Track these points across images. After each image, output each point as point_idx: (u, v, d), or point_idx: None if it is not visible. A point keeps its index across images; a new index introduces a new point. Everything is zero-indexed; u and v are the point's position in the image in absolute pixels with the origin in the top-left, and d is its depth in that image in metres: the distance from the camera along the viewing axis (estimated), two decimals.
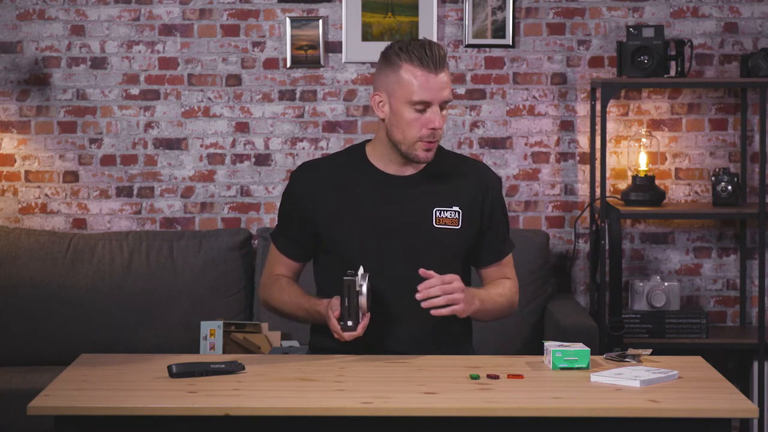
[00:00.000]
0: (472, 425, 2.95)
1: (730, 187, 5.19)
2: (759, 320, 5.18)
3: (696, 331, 5.21)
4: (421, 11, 5.38)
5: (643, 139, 5.39)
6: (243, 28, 5.42)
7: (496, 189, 3.58)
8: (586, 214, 5.43)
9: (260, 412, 2.91)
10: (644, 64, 5.15)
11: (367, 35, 5.39)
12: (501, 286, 3.58)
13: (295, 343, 4.96)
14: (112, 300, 5.11)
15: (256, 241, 5.32)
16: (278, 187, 5.42)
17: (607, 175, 5.30)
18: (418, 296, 3.30)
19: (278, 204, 3.63)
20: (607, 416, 2.91)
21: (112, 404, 2.93)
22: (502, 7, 5.39)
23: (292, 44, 5.40)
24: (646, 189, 5.25)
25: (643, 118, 5.45)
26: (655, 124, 5.45)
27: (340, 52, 5.41)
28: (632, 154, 5.41)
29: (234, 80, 5.43)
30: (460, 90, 5.43)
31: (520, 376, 3.16)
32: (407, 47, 3.38)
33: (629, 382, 3.08)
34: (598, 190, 5.29)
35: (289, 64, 5.41)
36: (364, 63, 5.41)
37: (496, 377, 3.14)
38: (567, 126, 5.45)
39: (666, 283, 5.28)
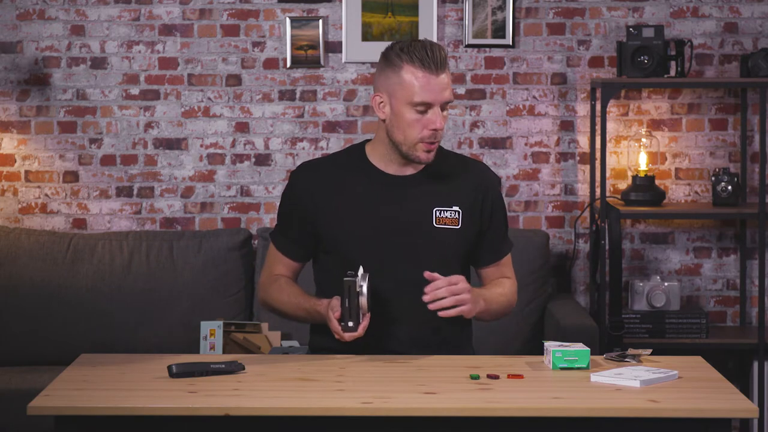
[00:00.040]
0: (472, 425, 2.95)
1: (730, 187, 5.19)
2: (759, 320, 5.18)
3: (696, 331, 5.21)
4: (421, 11, 5.38)
5: (643, 139, 5.39)
6: (243, 28, 5.42)
7: (496, 189, 3.58)
8: (586, 214, 5.43)
9: (260, 412, 2.91)
10: (644, 64, 5.15)
11: (367, 35, 5.39)
12: (502, 285, 3.58)
13: (295, 343, 4.96)
14: (112, 300, 5.11)
15: (256, 241, 5.32)
16: (278, 187, 5.42)
17: (607, 175, 5.30)
18: (425, 298, 3.30)
19: (278, 204, 3.63)
20: (607, 416, 2.91)
21: (112, 404, 2.93)
22: (502, 7, 5.39)
23: (292, 44, 5.40)
24: (646, 189, 5.25)
25: (643, 118, 5.45)
26: (655, 124, 5.45)
27: (340, 52, 5.41)
28: (632, 154, 5.41)
29: (234, 80, 5.43)
30: (460, 90, 5.43)
31: (520, 376, 3.16)
32: (408, 48, 3.38)
33: (629, 382, 3.08)
34: (598, 190, 5.30)
35: (289, 64, 5.41)
36: (364, 63, 5.41)
37: (496, 377, 3.14)
38: (567, 126, 5.45)
39: (666, 283, 5.28)
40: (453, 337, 3.55)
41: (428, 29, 5.36)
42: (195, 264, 5.17)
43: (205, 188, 5.45)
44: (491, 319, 3.54)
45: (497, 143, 5.45)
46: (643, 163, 5.32)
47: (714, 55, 5.44)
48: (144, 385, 3.09)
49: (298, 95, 5.43)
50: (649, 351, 3.39)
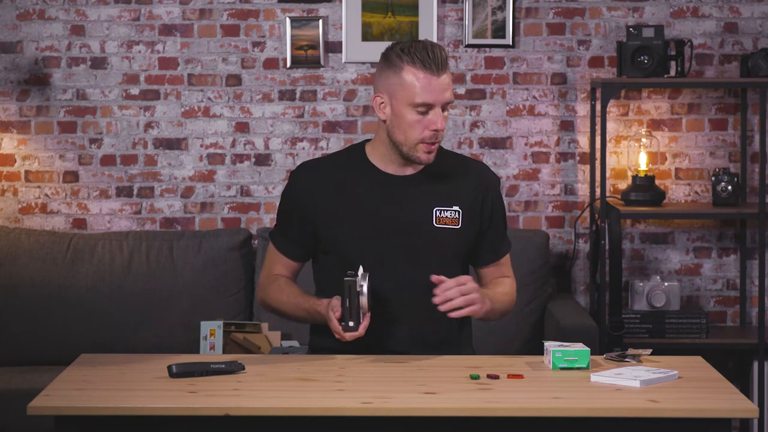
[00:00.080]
0: (472, 425, 2.95)
1: (730, 187, 5.19)
2: (759, 320, 5.18)
3: (696, 331, 5.21)
4: (421, 11, 5.38)
5: (643, 139, 5.39)
6: (243, 28, 5.42)
7: (496, 189, 3.58)
8: (586, 214, 5.43)
9: (260, 412, 2.91)
10: (644, 64, 5.15)
11: (367, 35, 5.39)
12: (503, 285, 3.58)
13: (295, 343, 4.96)
14: (112, 300, 5.11)
15: (256, 241, 5.32)
16: (278, 187, 5.42)
17: (607, 175, 5.30)
18: (436, 300, 3.30)
19: (278, 204, 3.63)
20: (607, 416, 2.91)
21: (112, 404, 2.93)
22: (502, 7, 5.39)
23: (292, 44, 5.40)
24: (646, 189, 5.25)
25: (643, 118, 5.45)
26: (655, 124, 5.45)
27: (340, 52, 5.41)
28: (632, 154, 5.41)
29: (234, 80, 5.43)
30: (460, 90, 5.43)
31: (520, 376, 3.16)
32: (409, 49, 3.38)
33: (629, 382, 3.08)
34: (598, 190, 5.30)
35: (289, 64, 5.41)
36: (364, 63, 5.41)
37: (496, 377, 3.14)
38: (567, 126, 5.45)
39: (666, 283, 5.28)
40: (453, 337, 3.55)
41: (428, 29, 5.36)
42: (195, 264, 5.17)
43: (205, 188, 5.45)
44: (494, 319, 3.54)
45: (497, 143, 5.45)
46: (643, 163, 5.32)
47: (714, 55, 5.44)
48: (144, 385, 3.09)
49: (298, 95, 5.43)
50: (649, 351, 3.39)
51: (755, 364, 5.21)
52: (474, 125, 5.45)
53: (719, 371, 3.32)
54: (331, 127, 5.44)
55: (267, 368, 3.25)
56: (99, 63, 5.42)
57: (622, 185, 5.42)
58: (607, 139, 5.35)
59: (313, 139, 5.44)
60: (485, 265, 3.60)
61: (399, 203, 3.46)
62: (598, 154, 5.32)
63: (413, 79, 3.37)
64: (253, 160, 5.44)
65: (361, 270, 3.27)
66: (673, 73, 5.25)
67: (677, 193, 5.46)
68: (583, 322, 4.82)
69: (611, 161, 5.42)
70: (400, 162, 3.48)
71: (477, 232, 3.54)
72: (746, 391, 5.29)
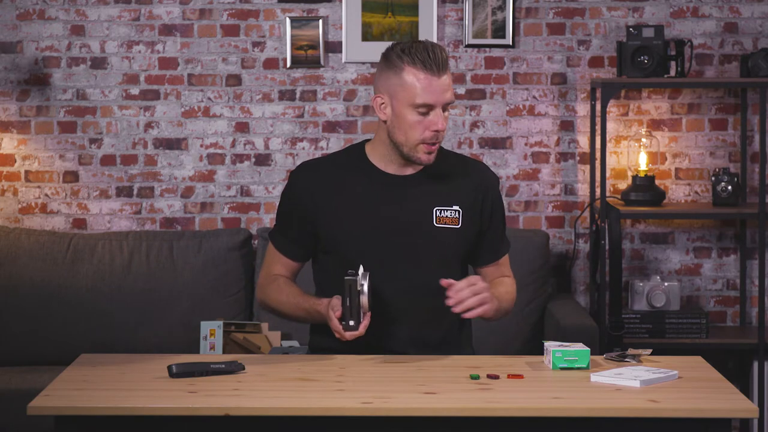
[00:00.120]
0: (472, 425, 2.95)
1: (730, 187, 5.19)
2: (759, 320, 5.18)
3: (696, 331, 5.21)
4: (421, 11, 5.38)
5: (643, 139, 5.39)
6: (243, 28, 5.42)
7: (496, 189, 3.58)
8: (586, 214, 5.43)
9: (260, 412, 2.91)
10: (644, 64, 5.15)
11: (367, 35, 5.39)
12: (505, 285, 3.58)
13: (295, 343, 4.95)
14: (112, 300, 5.11)
15: (256, 241, 5.32)
16: (278, 187, 5.42)
17: (607, 175, 5.30)
18: (450, 302, 3.30)
19: (278, 204, 3.63)
20: (607, 416, 2.91)
21: (112, 404, 2.93)
22: (502, 7, 5.39)
23: (292, 44, 5.40)
24: (646, 189, 5.25)
25: (643, 118, 5.45)
26: (655, 124, 5.45)
27: (340, 52, 5.41)
28: (632, 154, 5.41)
29: (234, 80, 5.43)
30: (460, 90, 5.43)
31: (520, 376, 3.16)
32: (409, 49, 3.38)
33: (629, 382, 3.08)
34: (598, 190, 5.30)
35: (289, 64, 5.41)
36: (364, 63, 5.41)
37: (496, 377, 3.14)
38: (567, 126, 5.45)
39: (666, 283, 5.28)
40: (453, 337, 3.55)
41: (428, 29, 5.36)
42: (195, 264, 5.17)
43: (205, 188, 5.45)
44: (497, 318, 3.54)
45: (497, 143, 5.45)
46: (643, 163, 5.32)
47: (714, 55, 5.44)
48: (144, 385, 3.09)
49: (298, 95, 5.43)
50: (649, 351, 3.39)
51: (755, 364, 5.21)
52: (474, 125, 5.45)
53: (719, 371, 3.32)
54: (331, 127, 5.44)
55: (267, 368, 3.25)
56: (99, 63, 5.42)
57: (622, 185, 5.42)
58: (607, 139, 5.35)
59: (313, 139, 5.44)
60: (485, 265, 3.61)
61: (399, 203, 3.46)
62: (598, 154, 5.32)
63: (414, 79, 3.37)
64: (253, 160, 5.44)
65: (361, 269, 3.27)
66: (673, 73, 5.25)
67: (677, 193, 5.46)
68: (583, 322, 4.82)
69: (611, 161, 5.42)
70: (400, 162, 3.48)
71: (477, 232, 3.54)
72: (746, 391, 5.29)
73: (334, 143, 5.42)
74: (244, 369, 3.21)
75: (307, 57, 5.40)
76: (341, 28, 5.40)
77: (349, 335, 3.28)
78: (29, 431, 3.94)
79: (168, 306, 5.12)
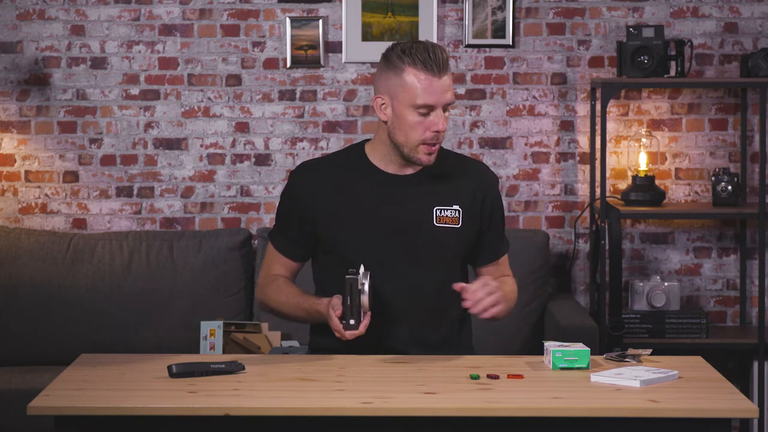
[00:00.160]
0: (472, 425, 2.95)
1: (730, 187, 5.19)
2: (759, 320, 5.18)
3: (696, 331, 5.21)
4: (421, 11, 5.38)
5: (643, 139, 5.39)
6: (243, 28, 5.42)
7: (495, 189, 3.58)
8: (586, 214, 5.43)
9: (260, 412, 2.91)
10: (644, 64, 5.15)
11: (367, 35, 5.39)
12: (507, 284, 3.58)
13: (295, 343, 4.95)
14: (112, 300, 5.11)
15: (256, 241, 5.32)
16: (278, 187, 5.42)
17: (607, 175, 5.30)
18: (466, 304, 3.30)
19: (278, 204, 3.63)
20: (607, 416, 2.91)
21: (112, 404, 2.93)
22: (502, 7, 5.39)
23: (292, 44, 5.40)
24: (646, 189, 5.25)
25: (643, 118, 5.45)
26: (655, 124, 5.45)
27: (340, 52, 5.41)
28: (632, 154, 5.41)
29: (234, 80, 5.43)
30: (460, 90, 5.43)
31: (520, 376, 3.16)
32: (410, 50, 3.37)
33: (629, 382, 3.08)
34: (598, 190, 5.29)
35: (289, 64, 5.41)
36: (364, 63, 5.41)
37: (496, 377, 3.14)
38: (567, 126, 5.45)
39: (666, 283, 5.28)
40: (453, 336, 3.55)
41: (428, 29, 5.36)
42: (195, 264, 5.17)
43: (205, 188, 5.45)
44: (503, 318, 3.54)
45: (497, 143, 5.45)
46: (643, 163, 5.32)
47: (714, 55, 5.44)
48: (144, 385, 3.09)
49: (298, 95, 5.43)
50: (649, 351, 3.39)
51: (755, 364, 5.21)
52: (474, 125, 5.45)
53: (719, 371, 3.32)
54: (331, 127, 5.44)
55: (267, 368, 3.25)
56: (99, 63, 5.42)
57: (622, 185, 5.42)
58: (607, 139, 5.35)
59: (313, 139, 5.44)
60: (485, 265, 3.60)
61: (399, 203, 3.46)
62: (598, 154, 5.32)
63: (414, 80, 3.36)
64: (253, 160, 5.44)
65: (362, 268, 3.27)
66: (673, 73, 5.25)
67: (677, 193, 5.46)
68: (583, 322, 4.82)
69: (611, 161, 5.42)
70: (400, 162, 3.48)
71: (477, 231, 3.54)
72: (746, 391, 5.29)
73: (334, 143, 5.42)
74: (244, 369, 3.21)
75: (307, 57, 5.40)
76: (341, 28, 5.40)
77: (349, 334, 3.27)
78: (29, 431, 3.94)
79: (168, 306, 5.12)
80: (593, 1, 5.41)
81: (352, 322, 3.26)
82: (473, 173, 3.55)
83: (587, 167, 5.44)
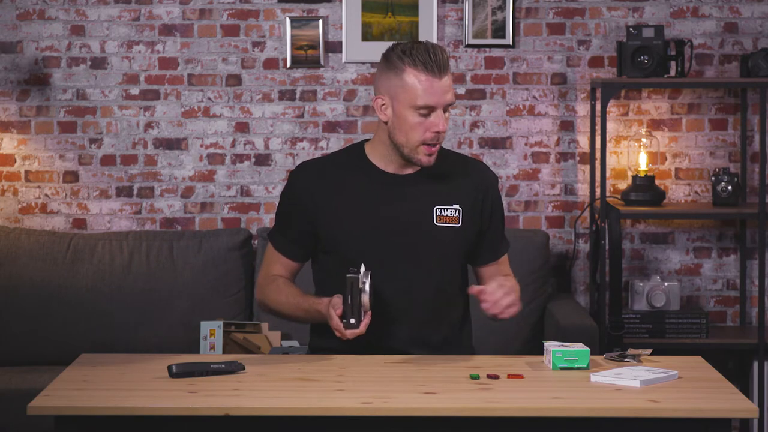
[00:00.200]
0: (472, 425, 2.95)
1: (730, 187, 5.19)
2: (759, 320, 5.18)
3: (696, 331, 5.21)
4: (421, 11, 5.38)
5: (643, 139, 5.39)
6: (243, 28, 5.42)
7: (495, 188, 3.58)
8: (586, 214, 5.43)
9: (260, 412, 2.91)
10: (644, 64, 5.15)
11: (367, 35, 5.39)
12: (510, 284, 3.58)
13: (295, 343, 4.95)
14: (112, 300, 5.11)
15: (256, 241, 5.32)
16: (278, 187, 5.42)
17: (607, 175, 5.30)
18: (485, 306, 3.30)
19: (277, 204, 3.63)
20: (607, 416, 2.91)
21: (112, 404, 2.93)
22: (502, 7, 5.39)
23: (292, 44, 5.40)
24: (646, 189, 5.25)
25: (643, 118, 5.45)
26: (655, 124, 5.45)
27: (340, 52, 5.41)
28: (632, 154, 5.41)
29: (234, 80, 5.43)
30: (460, 90, 5.43)
31: (520, 376, 3.16)
32: (410, 51, 3.37)
33: (629, 382, 3.08)
34: (598, 190, 5.29)
35: (289, 64, 5.41)
36: (364, 63, 5.41)
37: (496, 377, 3.14)
38: (567, 126, 5.45)
39: (666, 283, 5.28)
40: (453, 336, 3.55)
41: (428, 29, 5.36)
42: (195, 264, 5.17)
43: (205, 188, 5.45)
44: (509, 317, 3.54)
45: (497, 143, 5.45)
46: (643, 163, 5.32)
47: (714, 55, 5.44)
48: (144, 385, 3.09)
49: (298, 95, 5.43)
50: (649, 351, 3.39)
51: (755, 364, 5.21)
52: (474, 125, 5.45)
53: (719, 371, 3.32)
54: (331, 127, 5.44)
55: (267, 368, 3.25)
56: (99, 63, 5.42)
57: (622, 185, 5.42)
58: (607, 139, 5.35)
59: (313, 139, 5.44)
60: (485, 264, 3.61)
61: (399, 202, 3.46)
62: (598, 154, 5.32)
63: (415, 81, 3.36)
64: (253, 160, 5.44)
65: (363, 267, 3.27)
66: (673, 73, 5.25)
67: (677, 193, 5.46)
68: (583, 322, 4.82)
69: (611, 161, 5.42)
70: (400, 162, 3.48)
71: (477, 231, 3.54)
72: (746, 391, 5.29)
73: (334, 143, 5.42)
74: (244, 369, 3.21)
75: (307, 57, 5.40)
76: (341, 28, 5.40)
77: (350, 333, 3.27)
78: (29, 431, 3.94)
79: (168, 306, 5.12)
80: (593, 1, 5.41)
81: (352, 321, 3.26)
82: (473, 173, 3.55)
83: (587, 167, 5.44)
